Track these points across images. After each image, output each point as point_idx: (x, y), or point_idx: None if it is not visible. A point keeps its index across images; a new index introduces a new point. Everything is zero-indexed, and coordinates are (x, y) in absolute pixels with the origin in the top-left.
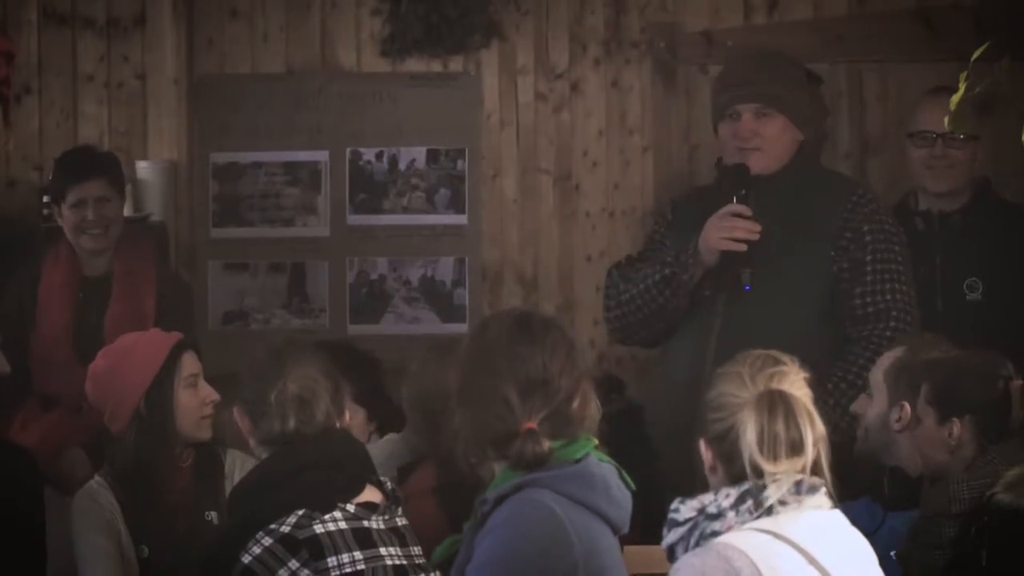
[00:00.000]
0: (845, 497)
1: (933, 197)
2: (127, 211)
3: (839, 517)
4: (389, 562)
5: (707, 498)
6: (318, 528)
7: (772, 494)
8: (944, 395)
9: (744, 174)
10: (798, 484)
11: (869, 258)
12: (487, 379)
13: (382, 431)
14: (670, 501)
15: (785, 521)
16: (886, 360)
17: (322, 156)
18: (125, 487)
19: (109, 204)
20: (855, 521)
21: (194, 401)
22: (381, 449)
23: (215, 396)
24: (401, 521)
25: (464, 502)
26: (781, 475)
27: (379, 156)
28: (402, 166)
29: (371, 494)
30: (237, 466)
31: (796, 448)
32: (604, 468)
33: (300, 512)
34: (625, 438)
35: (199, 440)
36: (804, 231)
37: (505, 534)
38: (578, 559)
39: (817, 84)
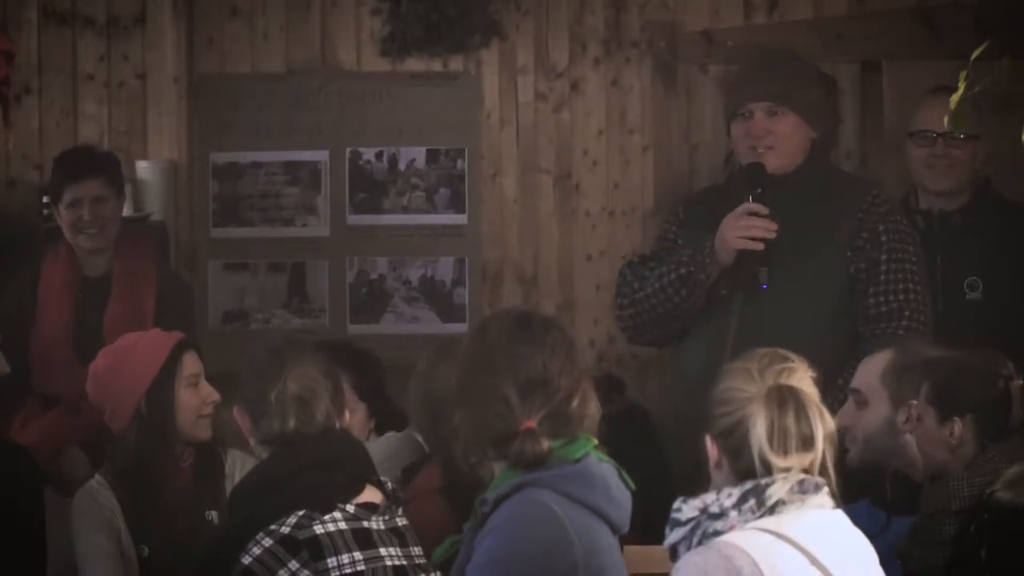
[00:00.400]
0: (842, 499)
1: (933, 196)
2: (127, 211)
3: (841, 517)
4: (389, 562)
5: (709, 497)
6: (318, 529)
7: (775, 492)
8: (945, 394)
9: (760, 173)
10: (801, 483)
11: (884, 258)
12: (487, 378)
13: (380, 429)
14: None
15: (787, 521)
16: (877, 364)
17: (322, 156)
18: (125, 486)
19: (107, 203)
20: (855, 524)
21: (195, 401)
22: (381, 448)
23: (216, 396)
24: (401, 521)
25: (470, 502)
26: (790, 470)
27: (379, 156)
28: (402, 166)
29: (371, 494)
30: (237, 466)
31: (807, 443)
32: (604, 468)
33: (300, 513)
34: (625, 438)
35: (199, 440)
36: (820, 231)
37: (505, 534)
38: (578, 559)
39: (834, 91)
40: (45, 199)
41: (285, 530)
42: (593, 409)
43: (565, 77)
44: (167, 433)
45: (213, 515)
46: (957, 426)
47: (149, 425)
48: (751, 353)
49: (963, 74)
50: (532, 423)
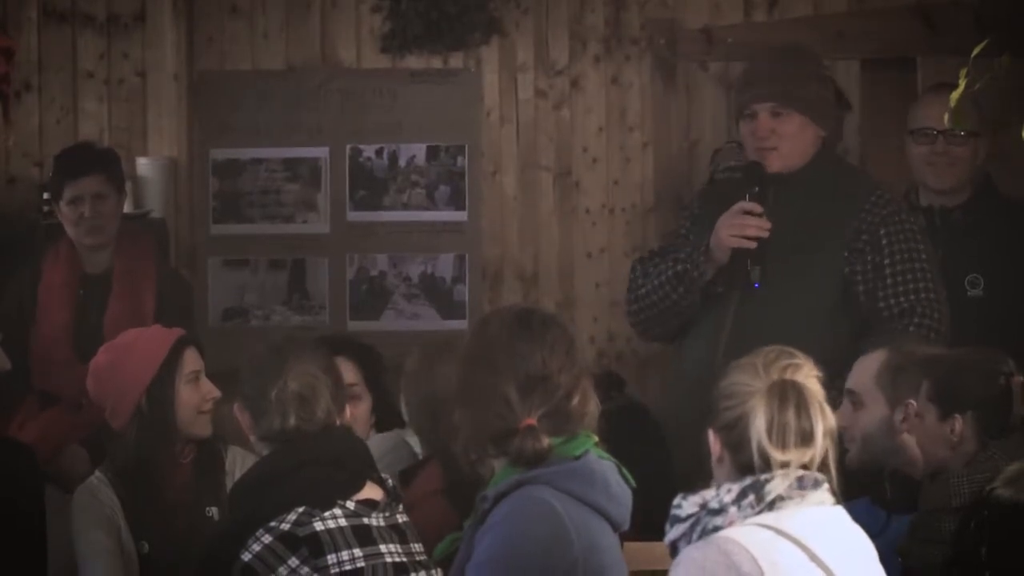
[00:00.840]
0: (842, 498)
1: (934, 193)
2: (127, 208)
3: (841, 513)
4: (389, 559)
5: (709, 493)
6: (318, 525)
7: (775, 488)
8: (945, 391)
9: (757, 172)
10: (801, 479)
11: (887, 261)
12: (487, 376)
13: (379, 426)
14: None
15: (787, 516)
16: (871, 365)
17: (322, 152)
18: (125, 483)
19: (106, 201)
20: (855, 522)
21: (195, 397)
22: (380, 444)
23: (216, 392)
24: (401, 518)
25: (472, 501)
26: (788, 465)
27: (379, 152)
28: (402, 162)
29: (371, 491)
30: (238, 462)
31: (806, 439)
32: (604, 465)
33: (300, 509)
34: (625, 435)
35: (200, 436)
36: (820, 231)
37: (505, 531)
38: (578, 556)
39: (847, 109)
40: (45, 196)
41: (285, 527)
42: (593, 406)
43: (565, 74)
44: (167, 430)
45: (213, 512)
46: (958, 423)
47: (149, 422)
48: (758, 349)
49: (963, 71)
50: (532, 420)
